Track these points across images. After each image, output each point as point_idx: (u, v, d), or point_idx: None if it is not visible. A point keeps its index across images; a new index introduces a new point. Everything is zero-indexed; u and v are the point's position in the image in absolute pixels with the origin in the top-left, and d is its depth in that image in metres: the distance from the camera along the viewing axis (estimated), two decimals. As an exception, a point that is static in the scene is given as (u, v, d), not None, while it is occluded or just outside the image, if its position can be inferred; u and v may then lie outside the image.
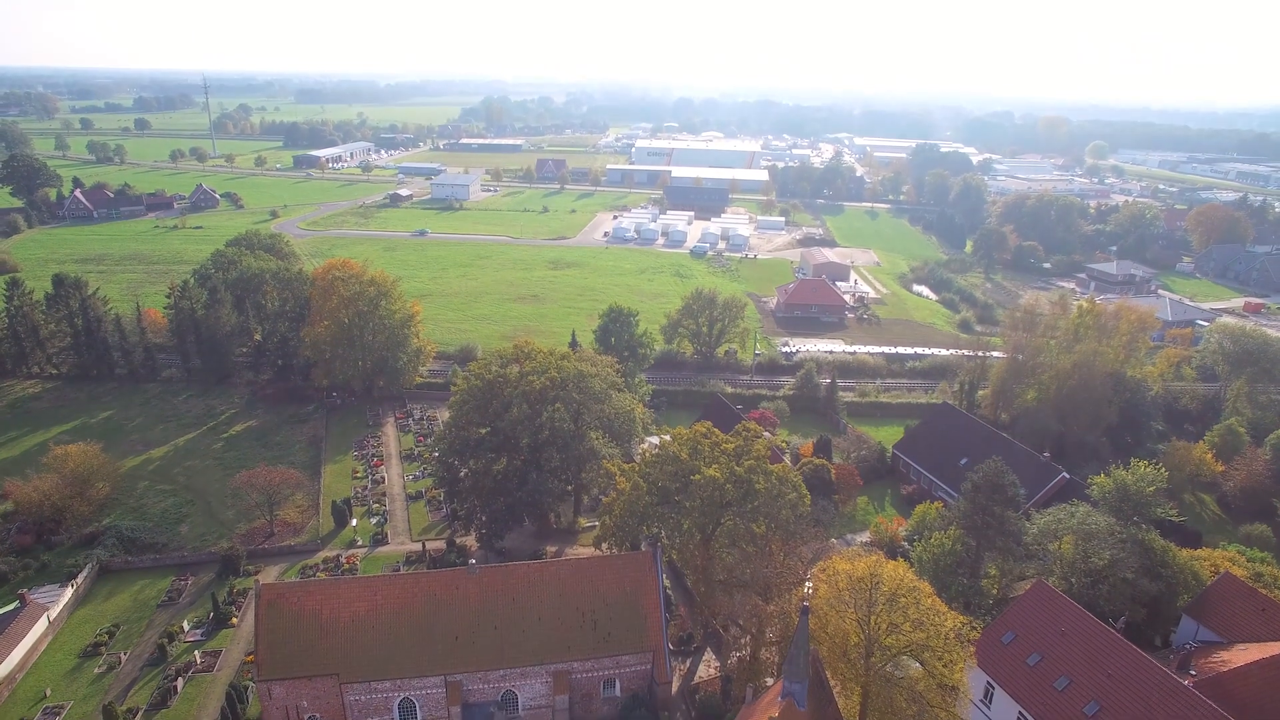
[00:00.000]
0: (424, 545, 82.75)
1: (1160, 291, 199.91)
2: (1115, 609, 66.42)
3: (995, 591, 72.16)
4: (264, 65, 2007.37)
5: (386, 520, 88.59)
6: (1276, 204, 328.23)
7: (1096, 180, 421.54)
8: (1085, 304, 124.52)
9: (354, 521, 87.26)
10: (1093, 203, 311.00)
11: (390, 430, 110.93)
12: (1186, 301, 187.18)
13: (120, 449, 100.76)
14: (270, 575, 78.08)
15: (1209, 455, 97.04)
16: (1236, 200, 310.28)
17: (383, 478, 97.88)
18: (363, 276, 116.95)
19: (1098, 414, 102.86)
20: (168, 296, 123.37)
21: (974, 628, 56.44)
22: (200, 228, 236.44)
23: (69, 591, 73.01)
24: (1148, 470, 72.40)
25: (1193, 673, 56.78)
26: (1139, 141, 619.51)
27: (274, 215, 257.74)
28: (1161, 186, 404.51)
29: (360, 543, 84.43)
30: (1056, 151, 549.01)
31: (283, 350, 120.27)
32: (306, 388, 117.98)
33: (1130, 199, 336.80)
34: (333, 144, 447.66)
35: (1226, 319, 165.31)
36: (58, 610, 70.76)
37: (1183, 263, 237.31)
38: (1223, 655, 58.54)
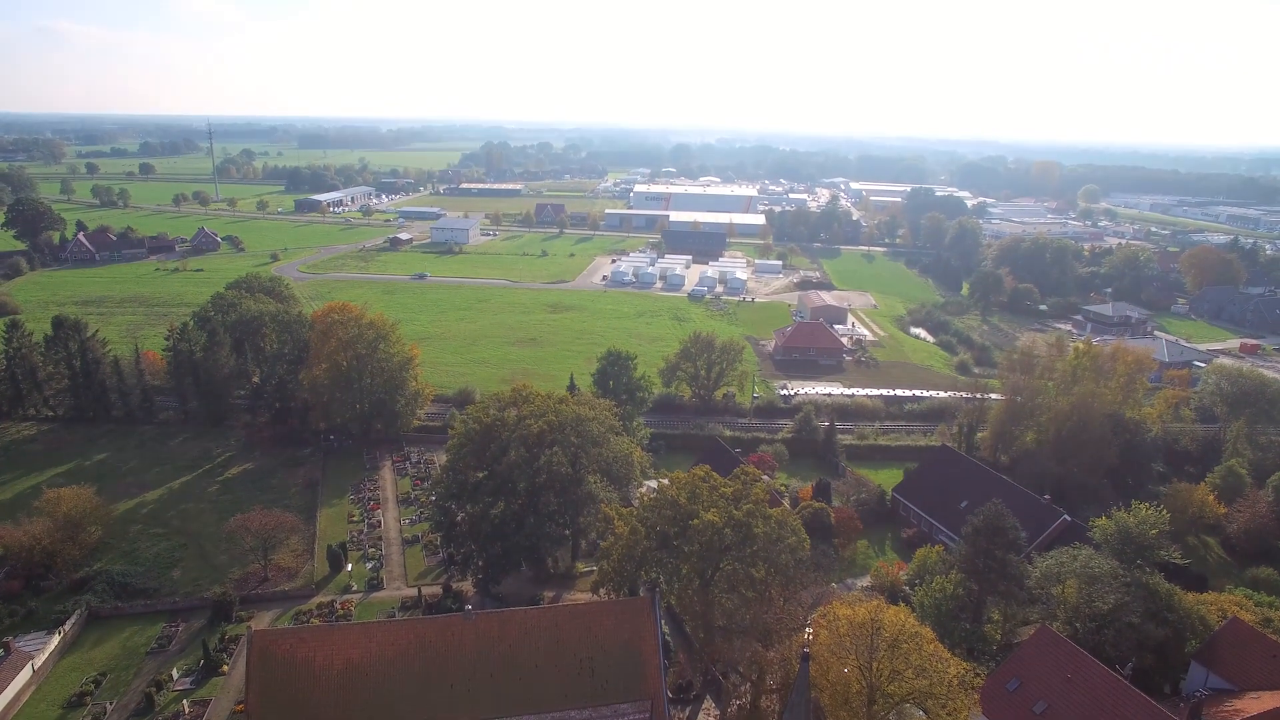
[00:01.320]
0: (420, 590, 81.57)
1: (1156, 333, 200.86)
2: (1122, 655, 65.34)
3: (999, 637, 71.14)
4: (268, 110, 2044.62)
5: (382, 565, 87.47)
6: (1267, 246, 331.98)
7: (1090, 223, 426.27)
8: (1082, 345, 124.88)
9: (349, 566, 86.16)
10: (1087, 245, 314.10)
11: (387, 473, 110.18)
12: (1183, 343, 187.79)
13: (114, 492, 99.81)
14: (263, 621, 76.81)
15: (1211, 497, 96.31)
16: (1228, 243, 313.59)
17: (379, 521, 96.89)
18: (361, 319, 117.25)
19: (1097, 455, 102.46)
20: (167, 338, 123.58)
21: (978, 674, 55.57)
22: (201, 270, 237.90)
23: (55, 639, 71.66)
24: (1149, 513, 71.95)
25: (1203, 721, 55.71)
26: (1130, 185, 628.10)
27: (274, 258, 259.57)
28: (1154, 229, 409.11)
29: (355, 588, 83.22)
30: (1049, 195, 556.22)
31: (281, 393, 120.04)
32: (304, 431, 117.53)
33: (1124, 241, 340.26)
34: (334, 189, 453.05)
35: (1223, 360, 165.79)
36: (43, 658, 69.39)
37: (1177, 304, 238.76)
38: (1235, 704, 57.50)
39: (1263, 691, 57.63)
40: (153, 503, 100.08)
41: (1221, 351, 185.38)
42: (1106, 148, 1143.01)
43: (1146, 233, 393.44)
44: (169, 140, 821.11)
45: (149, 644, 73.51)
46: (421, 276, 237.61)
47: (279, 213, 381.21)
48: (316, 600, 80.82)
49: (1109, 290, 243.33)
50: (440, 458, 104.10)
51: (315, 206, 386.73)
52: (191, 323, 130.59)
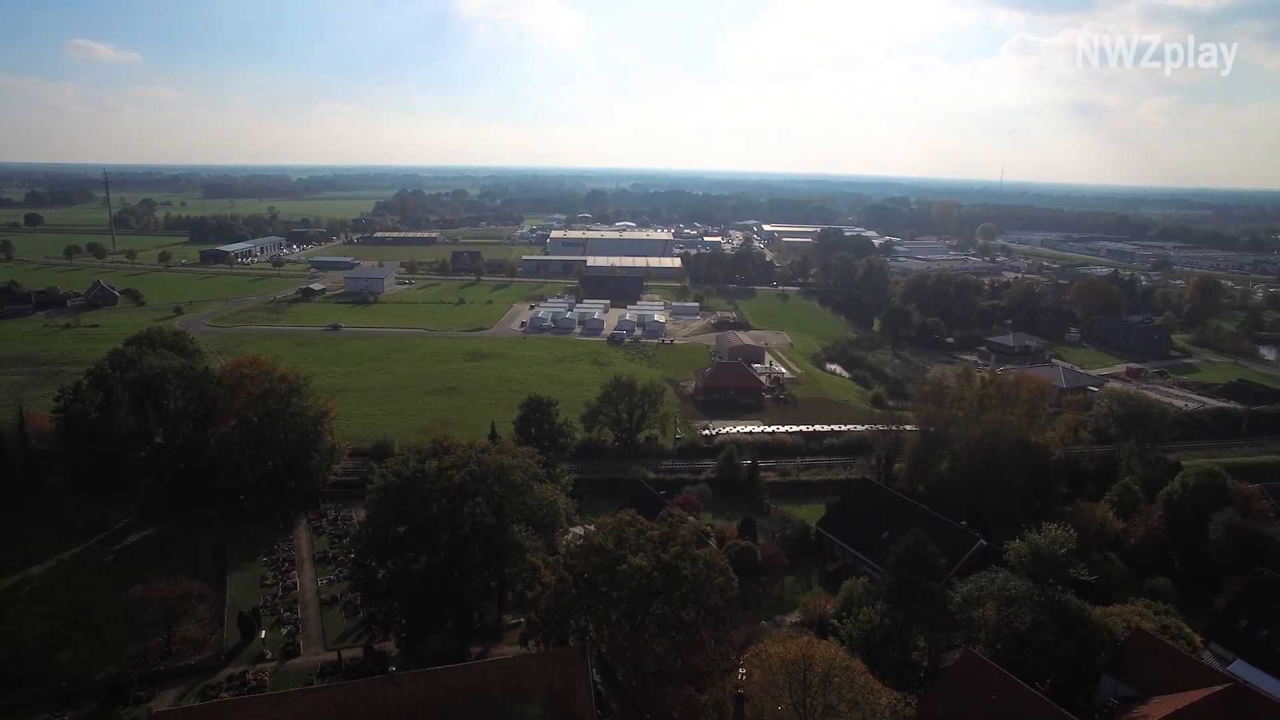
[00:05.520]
0: (339, 654, 78.01)
1: (1054, 361, 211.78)
2: (1040, 672, 67.57)
3: (925, 663, 72.57)
4: (171, 158, 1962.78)
5: (299, 629, 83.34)
6: (1142, 278, 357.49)
7: (988, 259, 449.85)
8: (988, 375, 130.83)
9: (263, 633, 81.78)
10: (986, 280, 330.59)
11: (303, 533, 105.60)
12: (1077, 369, 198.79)
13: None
14: (165, 701, 71.65)
15: (1110, 514, 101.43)
16: (1109, 275, 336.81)
17: (295, 583, 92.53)
18: (273, 373, 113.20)
19: (1007, 480, 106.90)
20: (57, 399, 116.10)
21: (908, 703, 56.50)
22: (96, 326, 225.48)
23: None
24: (1059, 532, 74.98)
25: (1117, 732, 57.95)
26: (1022, 223, 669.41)
27: (178, 312, 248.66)
28: (1045, 264, 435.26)
29: (269, 656, 78.92)
30: (950, 233, 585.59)
31: (186, 452, 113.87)
32: (212, 492, 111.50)
33: (1020, 276, 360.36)
34: (242, 239, 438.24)
35: (1113, 384, 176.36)
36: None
37: (1070, 333, 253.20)
38: (1142, 710, 60.15)
39: (1165, 695, 60.46)
40: (37, 578, 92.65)
41: (1111, 376, 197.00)
42: (1000, 187, 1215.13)
43: (1039, 267, 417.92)
44: (60, 190, 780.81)
45: (30, 737, 67.44)
46: (335, 328, 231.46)
47: (183, 265, 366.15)
48: (226, 672, 76.20)
49: (1009, 322, 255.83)
50: (359, 513, 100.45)
51: (222, 258, 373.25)
52: (86, 381, 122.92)
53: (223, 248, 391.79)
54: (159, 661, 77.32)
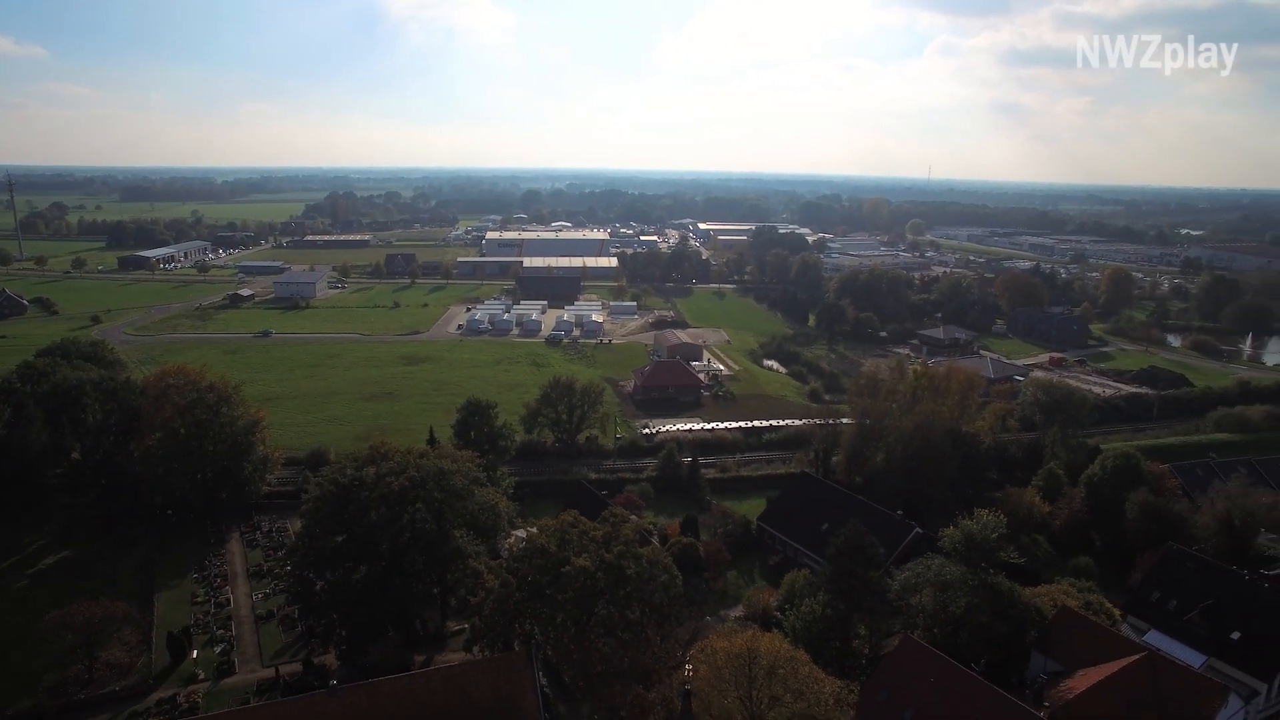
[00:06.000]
0: (277, 670, 75.85)
1: (982, 352, 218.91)
2: (975, 653, 70.00)
3: (867, 651, 74.37)
4: (83, 159, 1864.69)
5: (233, 647, 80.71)
6: (1062, 271, 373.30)
7: (918, 254, 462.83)
8: (920, 368, 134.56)
9: (194, 653, 78.96)
10: (917, 275, 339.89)
11: (236, 546, 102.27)
12: (1004, 359, 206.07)
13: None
14: (90, 729, 68.53)
15: (1037, 498, 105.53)
16: (1031, 268, 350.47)
17: (228, 599, 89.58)
18: (200, 383, 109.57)
19: (941, 469, 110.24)
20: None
21: (851, 690, 57.86)
22: (3, 337, 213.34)
23: None
24: (990, 518, 77.69)
25: (1046, 704, 60.49)
26: (949, 219, 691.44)
27: (96, 321, 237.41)
28: (972, 258, 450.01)
29: (202, 676, 76.20)
30: (881, 229, 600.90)
31: (107, 468, 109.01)
32: (136, 508, 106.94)
33: (948, 270, 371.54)
34: (165, 244, 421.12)
35: (1037, 373, 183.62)
36: None
37: (997, 325, 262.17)
38: (1068, 684, 62.98)
39: (1089, 668, 63.56)
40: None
41: (1035, 365, 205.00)
42: (928, 184, 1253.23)
43: (966, 261, 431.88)
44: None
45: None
46: (266, 334, 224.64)
47: (100, 271, 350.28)
48: (156, 696, 73.33)
49: (939, 315, 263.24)
50: (295, 524, 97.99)
51: (143, 263, 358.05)
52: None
53: (143, 253, 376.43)
54: (79, 690, 73.65)
